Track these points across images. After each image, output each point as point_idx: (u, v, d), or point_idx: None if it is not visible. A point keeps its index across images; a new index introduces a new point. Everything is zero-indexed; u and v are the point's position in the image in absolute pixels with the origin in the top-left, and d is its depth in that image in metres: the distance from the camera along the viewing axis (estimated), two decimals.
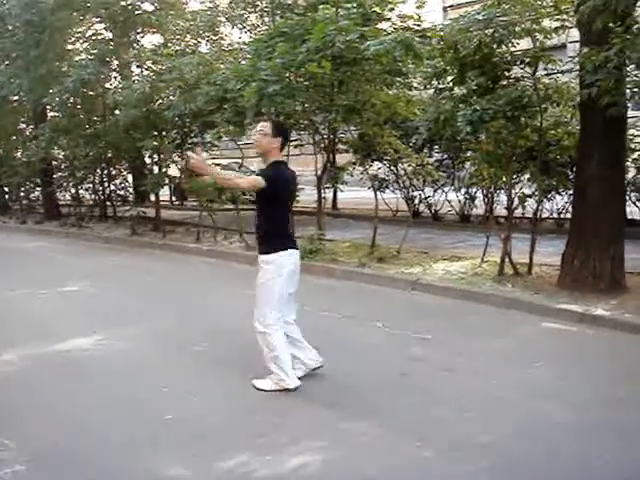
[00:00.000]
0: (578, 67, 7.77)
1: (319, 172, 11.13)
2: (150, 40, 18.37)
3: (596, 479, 3.91)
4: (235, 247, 11.85)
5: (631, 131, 10.67)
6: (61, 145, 16.14)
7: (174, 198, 19.82)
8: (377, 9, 10.73)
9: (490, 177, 9.46)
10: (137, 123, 13.26)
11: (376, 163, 13.06)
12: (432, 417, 4.71)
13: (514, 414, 4.73)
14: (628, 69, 7.21)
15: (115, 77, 17.33)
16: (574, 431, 4.43)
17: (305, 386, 5.30)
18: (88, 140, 14.90)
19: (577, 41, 8.11)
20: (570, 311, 7.19)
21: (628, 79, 7.24)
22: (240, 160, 12.31)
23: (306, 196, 12.77)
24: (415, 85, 11.81)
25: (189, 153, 5.27)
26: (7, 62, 16.95)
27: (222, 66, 12.91)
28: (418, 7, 10.81)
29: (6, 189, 19.71)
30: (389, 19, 11.42)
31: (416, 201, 14.22)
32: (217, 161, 13.55)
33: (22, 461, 4.10)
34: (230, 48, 16.86)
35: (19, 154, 18.38)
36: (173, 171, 14.51)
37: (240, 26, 18.86)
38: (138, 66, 16.94)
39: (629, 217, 10.67)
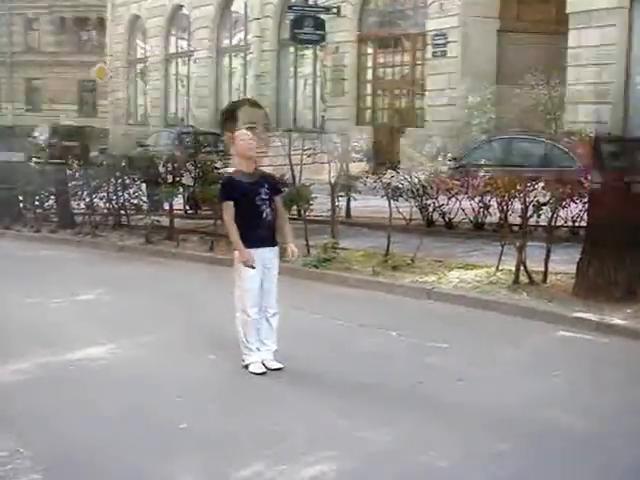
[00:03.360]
0: None
1: (332, 180, 11.12)
2: None
3: None
4: None
5: None
6: None
7: (188, 207, 19.83)
8: None
9: (504, 185, 9.42)
10: None
11: (389, 171, 13.02)
12: (447, 426, 4.69)
13: (530, 423, 4.69)
14: None
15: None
16: (590, 440, 4.39)
17: (319, 395, 5.29)
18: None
19: None
20: (586, 320, 7.14)
21: None
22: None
23: (319, 205, 12.75)
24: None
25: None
26: None
27: None
28: None
29: (20, 198, 19.79)
30: None
31: (430, 209, 14.18)
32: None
33: (38, 470, 4.10)
34: None
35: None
36: (187, 180, 14.51)
37: None
38: None
39: None
